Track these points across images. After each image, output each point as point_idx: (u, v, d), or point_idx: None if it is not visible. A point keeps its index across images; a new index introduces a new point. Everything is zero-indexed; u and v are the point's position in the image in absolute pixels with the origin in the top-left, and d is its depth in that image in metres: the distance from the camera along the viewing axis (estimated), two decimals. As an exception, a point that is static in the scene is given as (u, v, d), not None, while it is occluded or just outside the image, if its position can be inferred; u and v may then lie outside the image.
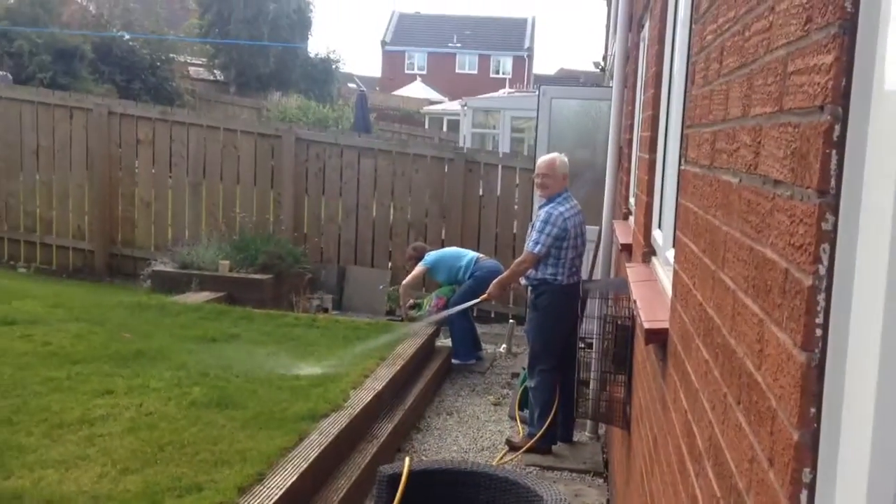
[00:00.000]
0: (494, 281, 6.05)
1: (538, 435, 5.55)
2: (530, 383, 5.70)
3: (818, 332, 0.96)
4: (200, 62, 25.56)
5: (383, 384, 5.64)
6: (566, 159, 5.71)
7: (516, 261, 5.79)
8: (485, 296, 6.22)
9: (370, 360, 6.18)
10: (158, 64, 19.50)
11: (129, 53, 18.82)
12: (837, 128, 0.93)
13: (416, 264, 8.18)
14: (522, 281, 5.80)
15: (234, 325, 7.09)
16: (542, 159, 5.80)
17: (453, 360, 7.72)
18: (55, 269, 10.71)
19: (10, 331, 6.31)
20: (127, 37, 18.90)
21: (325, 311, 9.31)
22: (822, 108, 0.96)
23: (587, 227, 5.83)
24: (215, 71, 25.68)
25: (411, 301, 8.17)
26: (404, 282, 8.17)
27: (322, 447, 4.32)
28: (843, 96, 0.92)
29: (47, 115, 10.70)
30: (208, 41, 24.82)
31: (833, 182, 0.94)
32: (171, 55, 20.69)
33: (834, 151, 0.94)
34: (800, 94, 1.06)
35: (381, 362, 6.21)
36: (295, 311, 8.75)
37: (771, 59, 1.23)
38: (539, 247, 5.45)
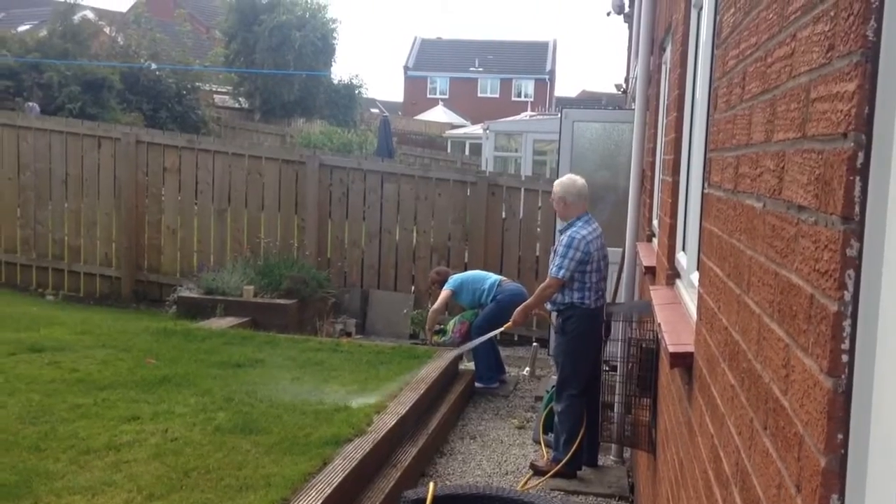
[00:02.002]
0: (518, 308, 6.03)
1: (564, 460, 5.51)
2: (558, 407, 5.66)
3: (844, 357, 0.96)
4: (226, 90, 25.87)
5: (407, 408, 5.63)
6: (583, 181, 5.69)
7: (540, 286, 5.77)
8: (509, 323, 6.20)
9: (394, 385, 6.18)
10: (185, 93, 19.77)
11: (155, 83, 19.11)
12: (861, 155, 0.94)
13: (439, 288, 8.20)
14: (547, 306, 5.78)
15: (258, 351, 7.13)
16: (557, 182, 5.80)
17: (476, 384, 7.69)
18: (82, 296, 10.83)
19: (39, 358, 6.39)
20: (154, 67, 19.20)
21: (349, 335, 9.33)
22: (845, 135, 0.97)
23: (610, 249, 5.82)
24: (240, 99, 25.99)
25: (436, 326, 8.18)
26: (433, 307, 8.17)
27: (346, 472, 4.31)
28: (866, 123, 0.93)
29: (76, 144, 10.89)
30: (234, 70, 25.13)
31: (857, 208, 0.94)
32: (197, 84, 20.97)
33: (858, 178, 0.94)
34: (823, 120, 1.06)
35: (404, 386, 6.20)
36: (318, 335, 8.78)
37: (794, 86, 1.24)
38: (563, 271, 5.44)
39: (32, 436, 4.62)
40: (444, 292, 7.96)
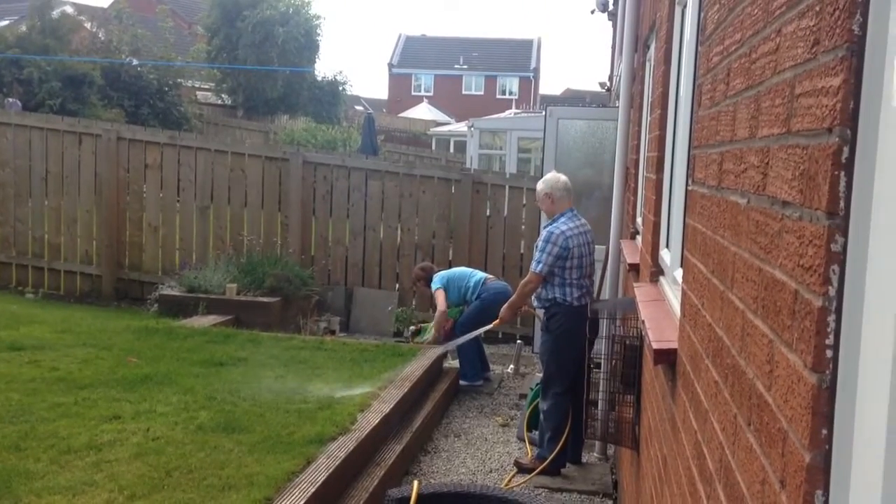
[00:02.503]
0: (504, 305, 6.06)
1: (549, 458, 5.51)
2: (543, 406, 5.67)
3: (829, 353, 0.96)
4: (208, 86, 25.70)
5: (391, 407, 5.62)
6: (565, 178, 5.71)
7: (522, 282, 5.81)
8: (496, 321, 6.21)
9: (378, 383, 6.17)
10: (166, 89, 19.63)
11: (137, 79, 18.96)
12: (846, 150, 0.93)
13: (424, 284, 8.17)
14: (534, 303, 5.79)
15: (241, 349, 7.09)
16: (541, 181, 5.83)
17: (461, 382, 7.69)
18: (63, 294, 10.73)
19: (19, 356, 6.32)
20: (135, 63, 19.04)
21: (333, 333, 9.30)
22: (830, 130, 0.96)
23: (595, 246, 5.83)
24: (223, 95, 25.84)
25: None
26: (440, 310, 7.86)
27: (329, 471, 4.30)
28: (851, 118, 0.92)
29: (56, 141, 10.77)
30: (216, 66, 24.96)
31: (842, 203, 0.94)
32: (179, 80, 20.83)
33: (842, 173, 0.94)
34: (808, 115, 1.06)
35: (388, 384, 6.19)
36: (302, 333, 8.74)
37: (778, 81, 1.24)
38: (541, 266, 5.45)
39: (12, 435, 4.57)
40: (440, 293, 7.84)
